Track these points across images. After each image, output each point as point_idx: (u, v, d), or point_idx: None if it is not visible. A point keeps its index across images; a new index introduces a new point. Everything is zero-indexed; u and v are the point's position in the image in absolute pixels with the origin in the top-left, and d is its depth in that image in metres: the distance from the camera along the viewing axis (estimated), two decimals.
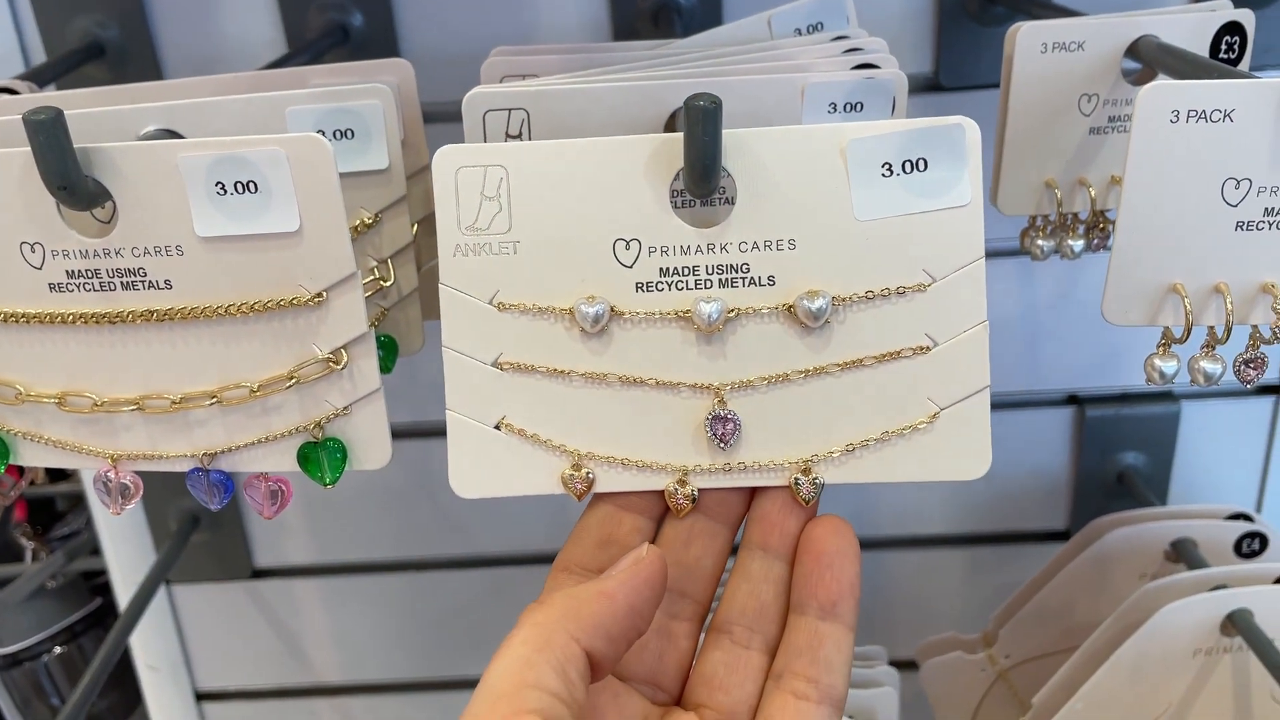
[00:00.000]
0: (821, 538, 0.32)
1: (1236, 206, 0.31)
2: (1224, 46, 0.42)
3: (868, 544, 0.73)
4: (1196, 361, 0.33)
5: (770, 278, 0.32)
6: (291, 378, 0.32)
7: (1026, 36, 0.40)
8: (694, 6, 0.58)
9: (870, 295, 0.32)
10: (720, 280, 0.32)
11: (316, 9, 0.58)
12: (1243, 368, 0.33)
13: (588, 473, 0.33)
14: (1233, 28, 0.42)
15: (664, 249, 0.32)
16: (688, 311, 0.32)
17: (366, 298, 0.39)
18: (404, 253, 0.40)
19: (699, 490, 0.33)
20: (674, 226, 0.32)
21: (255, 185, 0.30)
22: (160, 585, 0.74)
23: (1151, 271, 0.32)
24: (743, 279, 0.32)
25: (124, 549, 0.73)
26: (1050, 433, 0.70)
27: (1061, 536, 0.73)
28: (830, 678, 0.31)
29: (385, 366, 0.41)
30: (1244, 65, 0.42)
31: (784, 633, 0.32)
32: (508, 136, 0.37)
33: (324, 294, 0.31)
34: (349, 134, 0.38)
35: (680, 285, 0.32)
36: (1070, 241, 0.44)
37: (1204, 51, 0.42)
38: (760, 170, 0.31)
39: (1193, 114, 0.30)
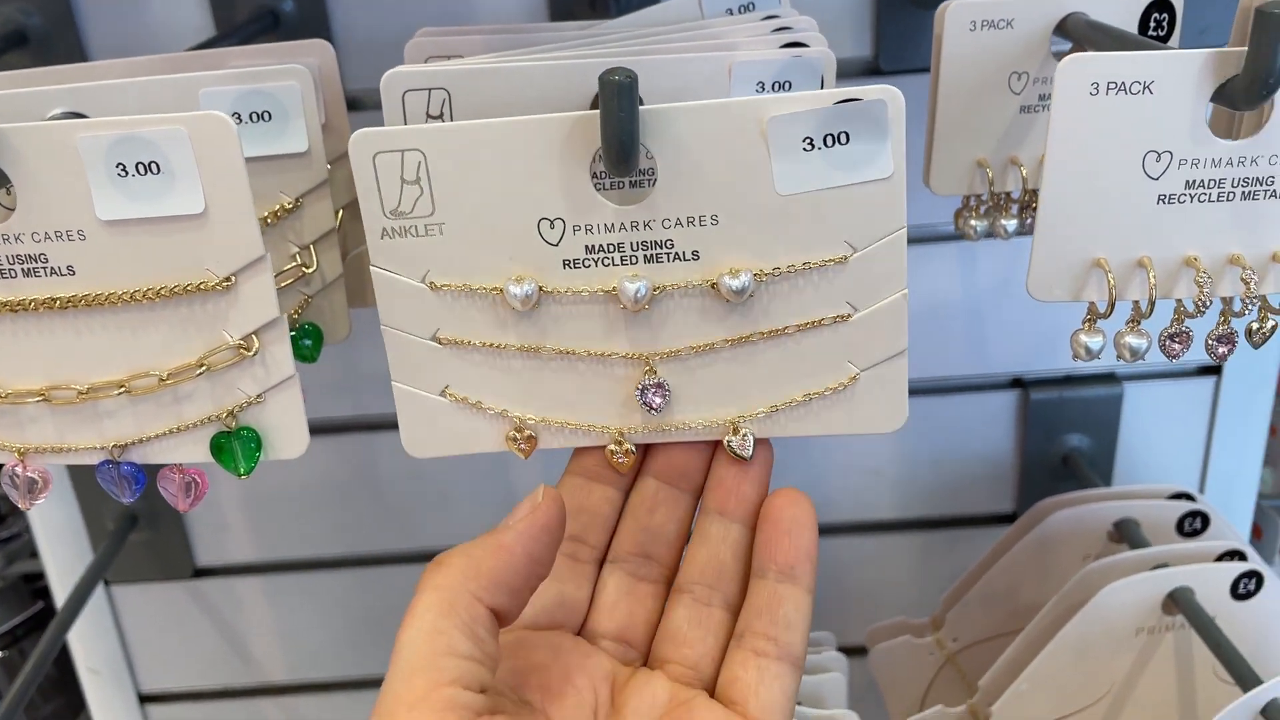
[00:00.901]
0: (780, 507, 0.33)
1: (1158, 180, 0.31)
2: (1153, 24, 0.42)
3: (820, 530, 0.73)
4: (1122, 337, 0.33)
5: (694, 253, 0.31)
6: (201, 365, 0.31)
7: (955, 14, 0.40)
8: None
9: (792, 268, 0.31)
10: (645, 256, 0.32)
11: None
12: (1167, 342, 0.33)
13: (530, 434, 0.34)
14: (1161, 5, 0.42)
15: (588, 227, 0.31)
16: (615, 288, 0.32)
17: (288, 285, 0.39)
18: (327, 238, 0.39)
19: (645, 449, 0.35)
20: (596, 204, 0.31)
21: (157, 166, 0.29)
22: (98, 585, 0.73)
23: (1075, 247, 0.32)
24: (667, 254, 0.32)
25: (60, 549, 0.71)
26: (995, 416, 0.70)
27: (1009, 519, 0.73)
28: (789, 636, 0.32)
29: (311, 355, 0.40)
30: (1173, 43, 0.42)
31: (745, 597, 0.33)
32: (429, 118, 0.36)
33: (232, 278, 0.30)
34: (266, 116, 0.37)
35: (606, 262, 0.32)
36: (1003, 221, 0.43)
37: (1132, 29, 0.42)
38: (680, 146, 0.30)
39: (1112, 86, 0.30)
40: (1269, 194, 0.31)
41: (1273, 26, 0.28)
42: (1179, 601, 0.57)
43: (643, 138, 0.30)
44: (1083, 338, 0.33)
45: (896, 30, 0.58)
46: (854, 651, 0.69)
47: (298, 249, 0.39)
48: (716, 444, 0.34)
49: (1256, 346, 0.34)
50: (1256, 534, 0.82)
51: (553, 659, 0.33)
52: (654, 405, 0.33)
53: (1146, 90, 0.30)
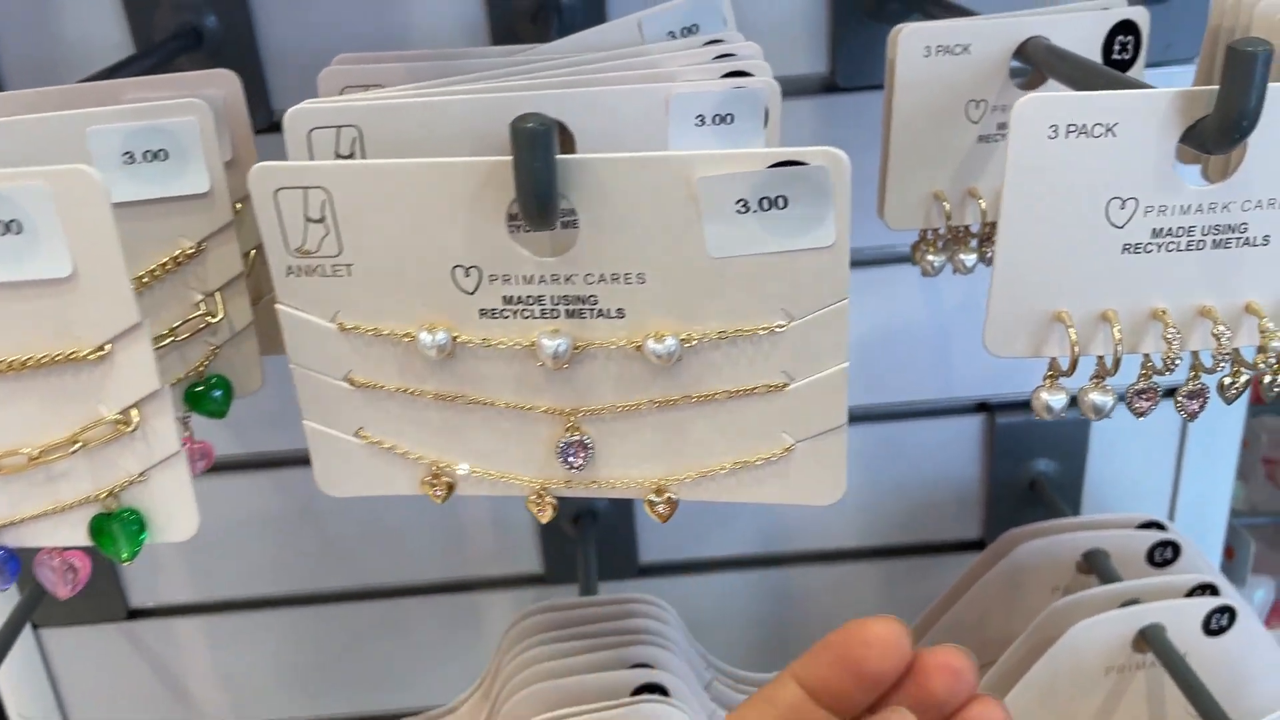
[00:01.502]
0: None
1: (1123, 228, 0.29)
2: (1117, 47, 0.39)
3: (778, 560, 0.71)
4: (1086, 394, 0.30)
5: (619, 310, 0.29)
6: (76, 441, 0.28)
7: (908, 39, 0.37)
8: (575, 5, 0.55)
9: (724, 335, 0.29)
10: (568, 311, 0.29)
11: (167, 9, 0.54)
12: (1135, 399, 0.31)
13: (447, 480, 0.32)
14: (1126, 27, 0.39)
15: (505, 277, 0.29)
16: (534, 343, 0.29)
17: (192, 335, 0.36)
18: (235, 284, 0.36)
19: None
20: (514, 255, 0.29)
21: (19, 225, 0.26)
22: (24, 629, 0.69)
23: (1034, 299, 0.29)
24: (590, 311, 0.29)
25: None
26: (961, 441, 0.68)
27: (976, 546, 0.71)
28: None
29: (220, 409, 0.37)
30: (1139, 66, 0.40)
31: None
32: (338, 157, 0.33)
33: (106, 347, 0.27)
34: (163, 155, 0.34)
35: (526, 314, 0.29)
36: (962, 256, 0.41)
37: (1096, 52, 0.39)
38: (604, 199, 0.28)
39: (1072, 128, 0.27)
40: (1241, 242, 0.29)
41: (1245, 65, 0.25)
42: (1150, 640, 0.54)
43: (563, 188, 0.27)
44: (1044, 395, 0.30)
45: (854, 45, 0.56)
46: None
47: (202, 296, 0.36)
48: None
49: (1229, 402, 0.32)
50: (1228, 554, 0.80)
51: None
52: (574, 464, 0.30)
53: (1109, 133, 0.27)
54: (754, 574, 0.71)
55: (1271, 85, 0.27)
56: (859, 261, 0.61)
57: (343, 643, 0.71)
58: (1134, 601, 0.57)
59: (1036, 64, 0.37)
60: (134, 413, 0.28)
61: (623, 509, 0.68)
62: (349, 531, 0.68)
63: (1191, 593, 0.57)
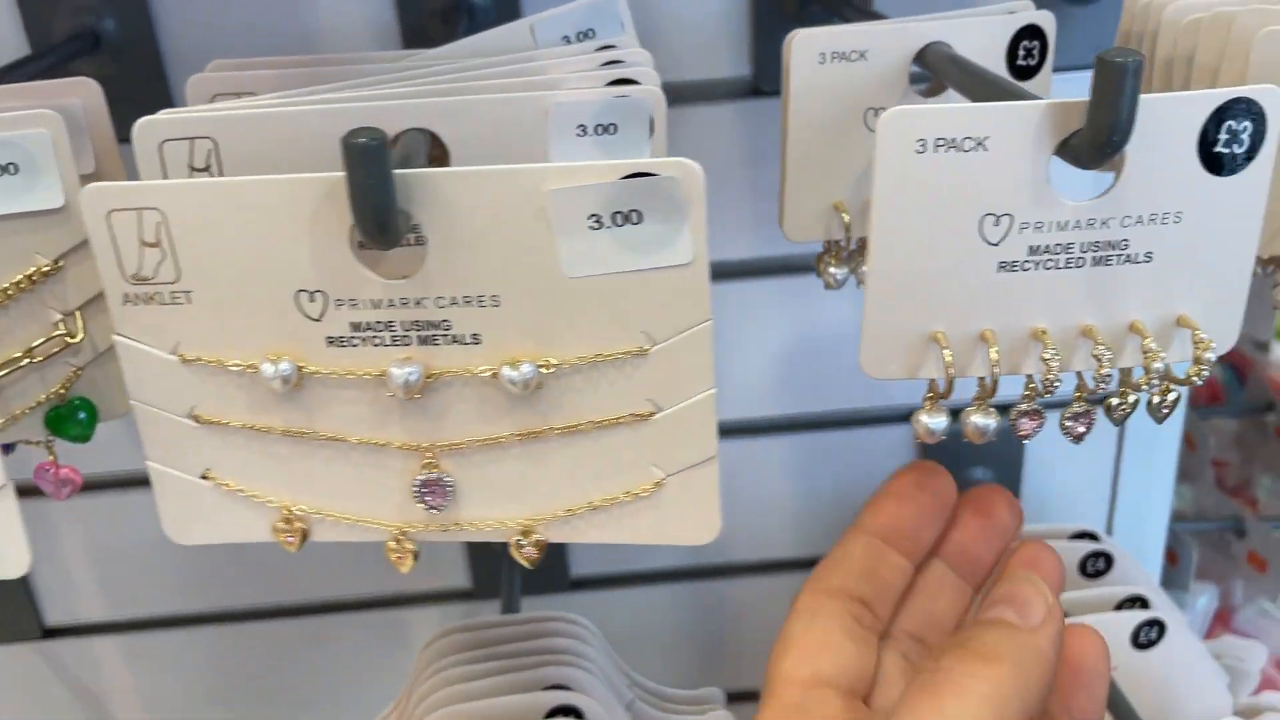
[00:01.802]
0: (1085, 653, 0.33)
1: (998, 245, 0.27)
2: (1022, 52, 0.38)
3: (712, 573, 0.69)
4: (968, 416, 0.29)
5: (475, 336, 0.27)
6: None
7: (801, 45, 0.36)
8: (488, 6, 0.53)
9: (584, 360, 0.27)
10: (420, 338, 0.27)
11: (65, 11, 0.52)
12: (1020, 420, 0.30)
13: (300, 526, 0.30)
14: (1032, 32, 0.38)
15: (352, 302, 0.27)
16: (385, 372, 0.28)
17: (51, 356, 0.34)
18: (97, 302, 0.34)
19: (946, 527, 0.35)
20: (360, 277, 0.27)
21: None
22: None
23: (908, 320, 0.28)
24: (444, 336, 0.27)
25: None
26: (895, 450, 0.67)
27: None
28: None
29: (84, 434, 0.35)
30: (1045, 72, 0.39)
31: None
32: (193, 171, 0.31)
33: None
34: (13, 169, 0.32)
35: (376, 341, 0.28)
36: (865, 268, 0.40)
37: (1000, 58, 0.38)
38: (452, 216, 0.26)
39: (941, 142, 0.26)
40: (1123, 259, 0.28)
41: (1114, 76, 0.24)
42: None
43: (408, 205, 0.26)
44: (923, 418, 0.29)
45: (776, 48, 0.54)
46: (751, 697, 0.65)
47: (61, 316, 0.34)
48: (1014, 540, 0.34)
49: (1117, 423, 0.30)
50: (1171, 560, 0.80)
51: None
52: (432, 504, 0.29)
53: (980, 147, 0.26)
54: (688, 586, 0.70)
55: (1147, 97, 0.26)
56: (791, 268, 0.60)
57: (267, 660, 0.69)
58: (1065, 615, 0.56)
59: (934, 72, 0.36)
60: None
61: None
62: (271, 547, 0.66)
63: (1121, 605, 0.57)
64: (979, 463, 0.67)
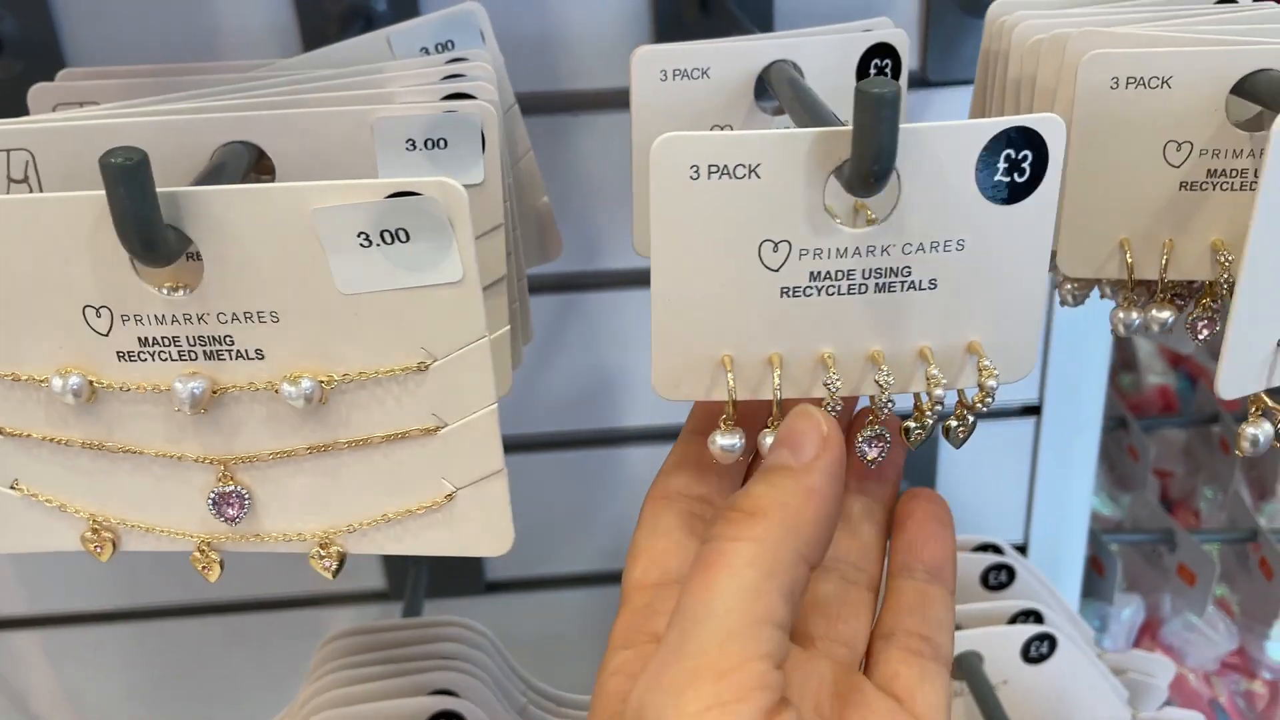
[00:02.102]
0: (923, 507, 0.32)
1: (779, 271, 0.27)
2: (873, 70, 0.38)
3: None
4: (764, 438, 0.29)
5: (258, 351, 0.28)
6: None
7: (642, 62, 0.36)
8: (385, 12, 0.53)
9: (365, 375, 0.27)
10: (205, 353, 0.28)
11: None
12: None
13: (109, 536, 0.31)
14: (882, 50, 0.38)
15: (136, 317, 0.27)
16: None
17: None
18: None
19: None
20: (143, 293, 0.27)
21: None
22: None
23: (697, 344, 0.28)
24: (228, 352, 0.28)
25: None
26: None
27: None
28: (941, 638, 0.31)
29: None
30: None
31: (889, 595, 0.32)
32: (11, 182, 0.32)
33: None
34: None
35: (163, 356, 0.28)
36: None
37: (850, 77, 0.38)
38: (224, 234, 0.26)
39: (714, 169, 0.26)
40: (906, 286, 0.28)
41: (872, 106, 0.24)
42: (963, 667, 0.54)
43: (179, 223, 0.26)
44: (718, 439, 0.29)
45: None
46: None
47: None
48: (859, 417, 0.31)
49: (913, 447, 0.30)
50: (1098, 570, 0.80)
51: None
52: (228, 516, 0.29)
53: (753, 174, 0.26)
54: (603, 590, 0.70)
55: (920, 126, 0.26)
56: None
57: (186, 658, 0.70)
58: (956, 627, 0.56)
59: (772, 92, 0.36)
60: None
61: None
62: None
63: (1015, 619, 0.57)
64: None
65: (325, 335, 0.27)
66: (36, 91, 0.36)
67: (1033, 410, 0.67)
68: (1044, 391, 0.65)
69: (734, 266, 0.27)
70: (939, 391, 0.28)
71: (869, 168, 0.25)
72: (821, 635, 0.31)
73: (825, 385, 0.28)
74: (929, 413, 0.29)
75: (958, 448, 0.31)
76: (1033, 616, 0.56)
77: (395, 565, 0.68)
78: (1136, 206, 0.34)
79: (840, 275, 0.28)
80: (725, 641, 0.24)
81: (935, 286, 0.28)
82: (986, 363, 0.28)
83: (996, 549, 0.61)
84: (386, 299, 0.27)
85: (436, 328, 0.27)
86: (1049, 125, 0.27)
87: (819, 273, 0.27)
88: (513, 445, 0.64)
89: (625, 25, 0.55)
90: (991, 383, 0.28)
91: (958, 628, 0.56)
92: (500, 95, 0.40)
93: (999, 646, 0.55)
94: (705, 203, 0.26)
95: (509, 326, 0.36)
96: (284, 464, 0.29)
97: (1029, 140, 0.27)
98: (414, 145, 0.34)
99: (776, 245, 0.27)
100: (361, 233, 0.26)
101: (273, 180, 0.33)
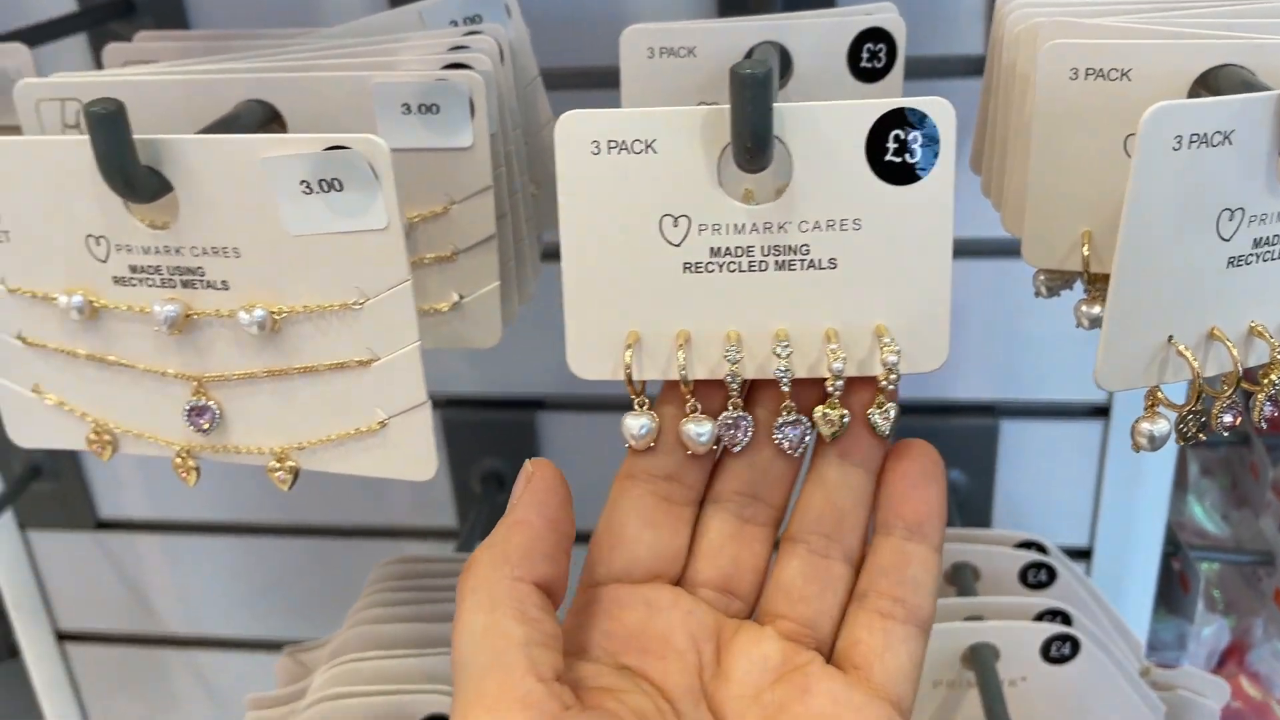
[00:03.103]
0: (909, 458, 0.31)
1: (680, 246, 0.29)
2: (866, 54, 0.39)
3: None
4: (684, 425, 0.31)
5: (224, 282, 0.32)
6: None
7: (630, 39, 0.38)
8: None
9: (308, 309, 0.31)
10: (182, 281, 0.32)
11: None
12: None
13: (109, 439, 0.35)
14: (875, 34, 0.39)
15: (127, 247, 0.32)
16: None
17: None
18: None
19: (752, 383, 0.31)
20: (131, 226, 0.32)
21: None
22: (9, 526, 0.78)
23: (607, 320, 0.30)
24: (200, 282, 0.32)
25: None
26: None
27: None
28: (918, 597, 0.30)
29: None
30: (895, 74, 0.39)
31: (868, 554, 0.31)
32: (65, 127, 0.37)
33: None
34: None
35: (149, 282, 0.32)
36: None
37: (842, 61, 0.39)
38: (196, 178, 0.30)
39: (614, 145, 0.28)
40: (806, 264, 0.29)
41: (740, 86, 0.26)
42: (975, 658, 0.53)
43: (160, 166, 0.30)
44: (628, 419, 0.31)
45: None
46: None
47: None
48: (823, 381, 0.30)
49: (828, 437, 0.31)
50: (1184, 586, 0.76)
51: (649, 616, 0.31)
52: (200, 426, 0.33)
53: (650, 149, 0.28)
54: None
55: (808, 106, 0.27)
56: None
57: (279, 572, 0.77)
58: (978, 618, 0.56)
59: None
60: None
61: None
62: None
63: (1041, 617, 0.56)
64: (951, 464, 0.67)
65: (277, 271, 0.31)
66: (111, 50, 0.42)
67: (1102, 411, 0.65)
68: (1114, 393, 0.63)
69: (637, 241, 0.29)
70: (838, 365, 0.29)
71: (744, 145, 0.26)
72: (779, 614, 0.31)
73: (725, 357, 0.29)
74: (831, 389, 0.29)
75: (886, 436, 0.31)
76: (1060, 617, 0.55)
77: (465, 507, 0.72)
78: (1098, 199, 0.33)
79: (740, 251, 0.29)
80: (481, 679, 0.26)
81: (835, 266, 0.29)
82: (887, 340, 0.29)
83: (1041, 547, 0.60)
84: (326, 241, 0.30)
85: (367, 270, 0.30)
86: (938, 108, 0.27)
87: (719, 248, 0.29)
88: (582, 405, 0.67)
89: (694, 4, 0.57)
90: (891, 358, 0.29)
91: (979, 618, 0.55)
92: (518, 68, 0.43)
93: (1019, 642, 0.54)
94: (606, 177, 0.28)
95: (498, 283, 0.39)
96: (247, 384, 0.33)
97: (918, 122, 0.27)
98: (409, 109, 0.37)
99: (676, 220, 0.29)
100: (303, 181, 0.29)
101: None
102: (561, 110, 0.29)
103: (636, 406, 0.31)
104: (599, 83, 0.58)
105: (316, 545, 0.76)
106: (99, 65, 0.61)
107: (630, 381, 0.30)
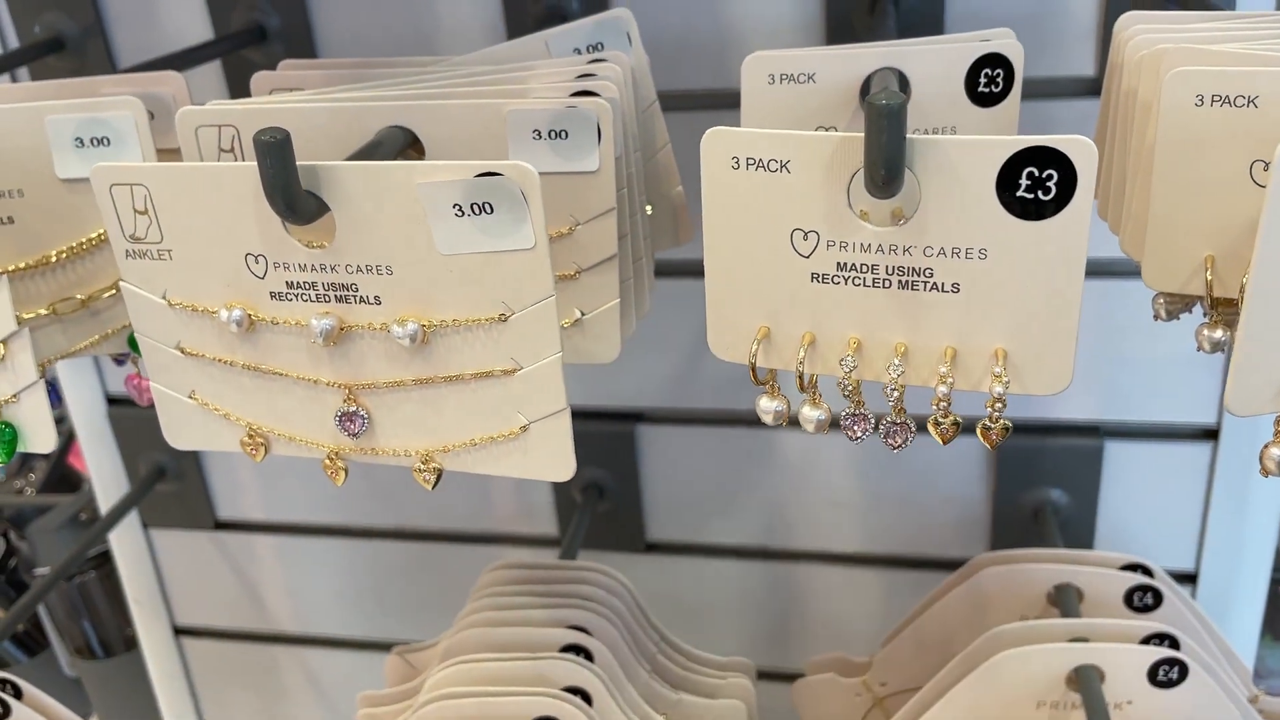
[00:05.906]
0: None
1: (809, 258, 0.30)
2: (983, 79, 0.40)
3: (780, 555, 0.73)
4: (803, 407, 0.32)
5: (376, 297, 0.34)
6: None
7: (752, 67, 0.39)
8: (578, 11, 0.59)
9: (457, 323, 0.33)
10: (336, 296, 0.34)
11: (243, 8, 0.63)
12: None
13: (261, 441, 0.37)
14: (994, 60, 0.40)
15: (285, 265, 0.34)
16: None
17: None
18: None
19: None
20: (289, 246, 0.34)
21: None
22: (139, 528, 0.82)
23: (741, 314, 0.32)
24: (354, 297, 0.34)
25: (109, 491, 0.81)
26: (965, 460, 0.67)
27: None
28: None
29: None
30: (1012, 100, 0.40)
31: None
32: (221, 152, 0.39)
33: None
34: (105, 141, 0.42)
35: (305, 298, 0.34)
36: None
37: (960, 86, 0.40)
38: (352, 201, 0.32)
39: (752, 162, 0.30)
40: (929, 286, 0.30)
41: (875, 117, 0.27)
42: (1080, 679, 0.53)
43: (319, 189, 0.32)
44: (763, 401, 0.33)
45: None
46: (793, 678, 0.68)
47: None
48: None
49: (944, 441, 0.32)
50: None
51: None
52: (350, 431, 0.35)
53: (784, 169, 0.29)
54: (756, 564, 0.73)
55: (935, 139, 0.28)
56: None
57: (386, 575, 0.80)
58: (1083, 639, 0.55)
59: None
60: (2, 346, 0.35)
61: (630, 486, 0.72)
62: (395, 477, 0.76)
63: (1148, 640, 0.55)
64: (1055, 484, 0.67)
65: (428, 287, 0.33)
66: (258, 78, 0.44)
67: (1210, 434, 0.64)
68: (1222, 416, 0.63)
69: (770, 249, 0.31)
70: (943, 389, 0.30)
71: (876, 173, 0.28)
72: None
73: (840, 363, 0.31)
74: (937, 409, 0.31)
75: (991, 447, 0.33)
76: (1168, 641, 0.55)
77: (566, 516, 0.74)
78: (1222, 224, 0.34)
79: (865, 268, 0.30)
80: None
81: (958, 290, 0.30)
82: (998, 369, 0.30)
83: (1147, 570, 0.59)
84: (476, 260, 0.32)
85: (514, 286, 0.32)
86: (1077, 147, 0.28)
87: (845, 264, 0.30)
88: (681, 419, 0.69)
89: (802, 28, 0.58)
90: (998, 389, 0.30)
91: (1084, 640, 0.55)
92: (638, 94, 0.44)
93: (1124, 666, 0.54)
94: (744, 189, 0.30)
95: (618, 300, 0.41)
96: (395, 392, 0.35)
97: (1055, 160, 0.28)
98: (539, 135, 0.39)
99: (806, 234, 0.30)
100: (455, 204, 0.31)
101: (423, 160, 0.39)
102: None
103: (769, 391, 0.32)
104: (708, 104, 0.60)
105: (423, 549, 0.78)
106: (232, 89, 0.66)
107: (754, 369, 0.31)
